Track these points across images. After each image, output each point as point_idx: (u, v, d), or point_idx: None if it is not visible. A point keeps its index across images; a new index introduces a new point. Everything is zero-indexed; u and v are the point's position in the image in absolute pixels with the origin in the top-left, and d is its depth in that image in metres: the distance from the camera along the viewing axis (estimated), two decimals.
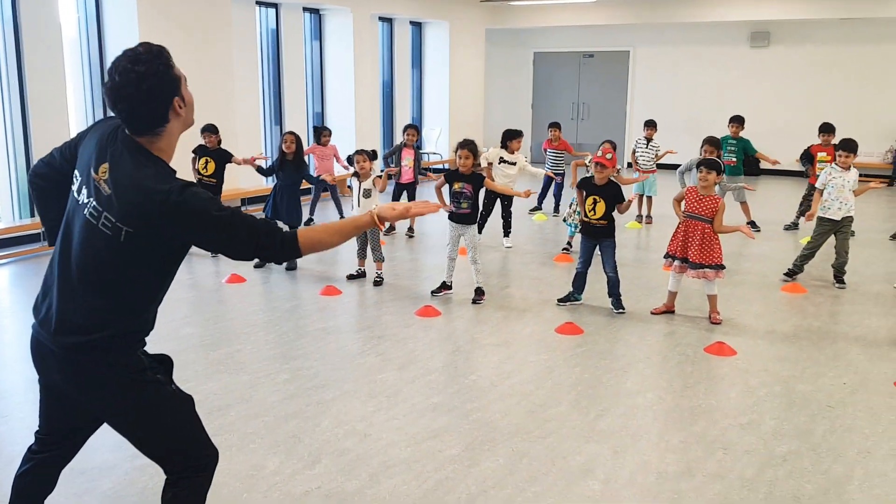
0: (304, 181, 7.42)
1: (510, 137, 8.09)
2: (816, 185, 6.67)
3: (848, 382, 4.43)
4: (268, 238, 2.16)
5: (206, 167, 7.58)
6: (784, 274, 6.78)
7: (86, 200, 2.14)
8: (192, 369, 4.55)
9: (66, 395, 2.28)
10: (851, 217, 6.51)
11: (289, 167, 7.12)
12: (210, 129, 7.54)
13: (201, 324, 5.51)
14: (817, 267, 6.98)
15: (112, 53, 8.83)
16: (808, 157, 8.83)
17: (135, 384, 2.22)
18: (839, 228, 6.51)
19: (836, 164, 6.53)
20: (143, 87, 2.07)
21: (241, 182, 10.13)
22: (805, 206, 8.74)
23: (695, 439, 3.70)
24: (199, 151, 7.60)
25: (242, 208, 10.30)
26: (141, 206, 2.06)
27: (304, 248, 2.20)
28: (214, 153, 7.58)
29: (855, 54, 13.97)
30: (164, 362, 2.40)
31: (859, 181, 6.60)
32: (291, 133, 7.20)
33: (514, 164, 8.03)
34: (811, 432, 3.78)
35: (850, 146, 6.47)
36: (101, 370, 2.18)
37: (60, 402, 2.34)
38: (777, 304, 6.09)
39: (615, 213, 5.76)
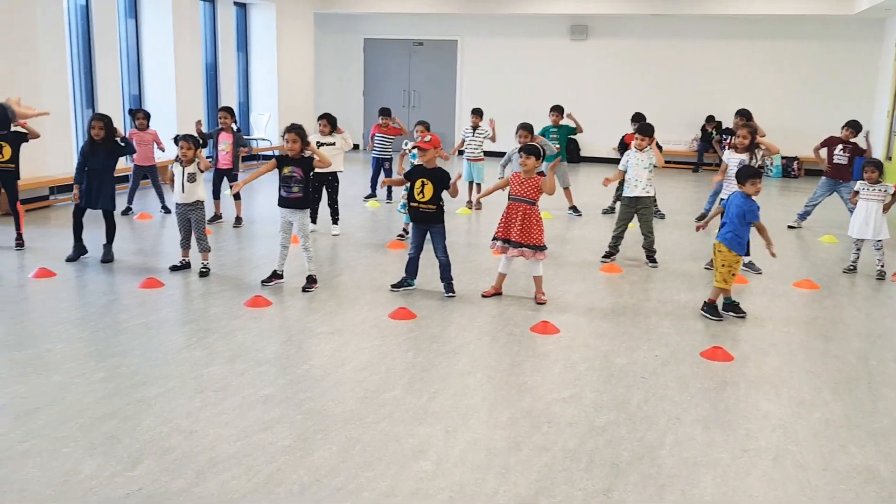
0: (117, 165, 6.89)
1: (319, 120, 8.22)
2: (619, 166, 7.19)
3: (660, 354, 4.78)
4: None
5: (0, 152, 6.89)
6: (602, 256, 7.20)
7: None
8: None
9: None
10: (650, 197, 7.04)
11: (101, 152, 6.58)
12: None
13: (4, 323, 5.03)
14: (632, 249, 7.48)
15: None
16: (623, 145, 9.44)
17: None
18: (639, 208, 7.02)
19: (633, 146, 7.06)
20: None
21: (50, 169, 9.33)
22: (621, 192, 9.34)
23: (521, 415, 3.84)
24: None
25: (51, 197, 9.51)
26: None
27: None
28: (8, 137, 6.90)
29: (665, 48, 15.09)
30: None
31: (662, 164, 7.17)
32: (98, 118, 6.53)
33: (333, 143, 8.07)
34: (627, 402, 4.05)
35: (642, 130, 7.04)
36: None
37: None
38: (596, 284, 6.46)
39: (446, 197, 5.85)
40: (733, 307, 5.57)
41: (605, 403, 4.02)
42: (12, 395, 3.86)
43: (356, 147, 16.81)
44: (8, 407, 3.73)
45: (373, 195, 10.35)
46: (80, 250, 6.66)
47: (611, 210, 9.80)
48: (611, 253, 7.20)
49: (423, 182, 5.75)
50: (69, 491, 3.00)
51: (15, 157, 6.97)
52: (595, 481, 3.22)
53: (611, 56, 15.39)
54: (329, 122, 8.08)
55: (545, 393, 4.13)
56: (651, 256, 7.11)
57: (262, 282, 6.03)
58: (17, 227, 7.12)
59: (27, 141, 7.00)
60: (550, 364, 4.59)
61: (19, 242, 7.07)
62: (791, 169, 14.20)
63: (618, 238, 7.19)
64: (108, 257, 6.63)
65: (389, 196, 10.19)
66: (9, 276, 6.24)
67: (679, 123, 14.66)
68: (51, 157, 9.14)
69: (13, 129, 6.92)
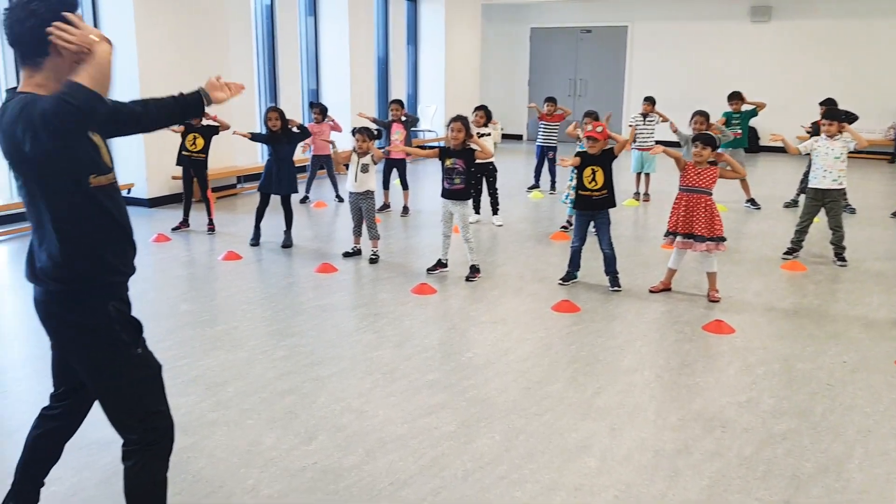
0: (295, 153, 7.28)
1: (475, 111, 8.21)
2: (800, 148, 6.68)
3: (848, 361, 4.41)
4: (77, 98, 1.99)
5: (194, 143, 7.50)
6: (784, 253, 6.75)
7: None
8: (189, 346, 4.52)
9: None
10: (840, 190, 6.49)
11: (279, 141, 7.00)
12: None
13: (198, 300, 5.47)
14: (818, 245, 6.96)
15: (107, 14, 8.71)
16: (817, 132, 8.79)
17: (96, 337, 2.21)
18: (827, 202, 6.50)
19: (823, 133, 6.53)
20: (30, 6, 2.06)
21: (237, 160, 10.04)
22: (805, 184, 8.71)
23: (692, 417, 3.68)
24: (186, 129, 7.51)
25: (238, 185, 10.23)
26: (13, 135, 2.02)
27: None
28: (200, 129, 7.50)
29: (857, 29, 13.87)
30: (133, 324, 2.33)
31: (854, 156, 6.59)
32: (274, 109, 7.03)
33: (489, 133, 8.08)
34: (811, 411, 3.77)
35: (833, 115, 6.48)
36: (69, 318, 2.19)
37: (61, 356, 2.43)
38: (776, 282, 6.06)
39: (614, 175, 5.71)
40: None
41: (786, 410, 3.76)
42: (204, 368, 4.19)
43: (520, 137, 16.84)
44: (201, 378, 4.05)
45: (536, 186, 10.30)
46: (258, 235, 7.13)
47: (793, 203, 9.18)
48: (793, 249, 6.73)
49: (593, 170, 5.64)
50: (252, 460, 3.22)
51: (206, 148, 7.57)
52: (773, 492, 3.02)
53: (796, 38, 14.35)
54: (485, 114, 8.15)
55: (718, 396, 3.93)
56: (840, 254, 6.57)
57: (428, 270, 6.17)
58: (209, 213, 7.73)
59: (218, 133, 7.58)
60: (724, 365, 4.36)
61: (210, 227, 7.67)
62: None
63: (801, 233, 6.70)
64: (287, 242, 7.04)
65: (553, 187, 10.09)
66: (201, 259, 6.78)
67: (873, 110, 13.42)
68: (238, 149, 9.83)
69: (205, 122, 7.52)
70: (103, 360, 2.23)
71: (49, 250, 2.14)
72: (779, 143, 6.72)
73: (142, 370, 2.30)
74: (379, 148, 6.81)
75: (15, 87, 2.17)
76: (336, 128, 9.32)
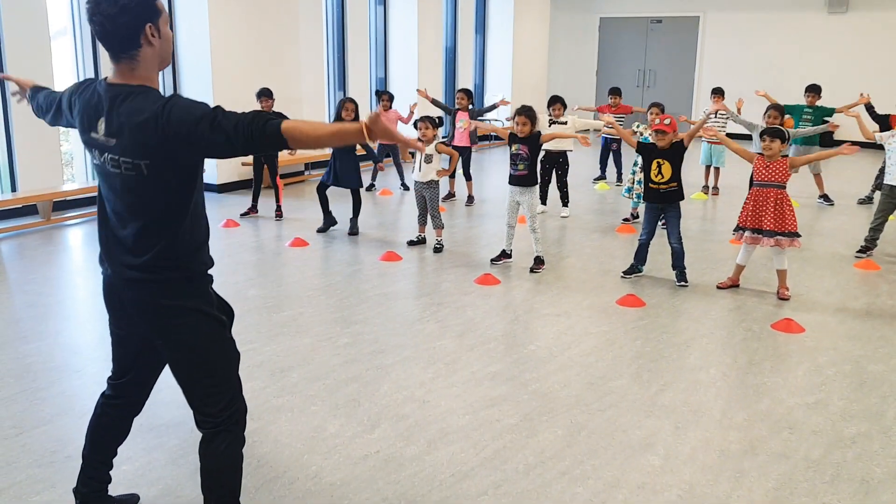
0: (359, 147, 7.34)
1: (551, 104, 8.10)
2: (875, 136, 6.50)
3: None
4: (252, 124, 2.06)
5: None
6: (857, 251, 6.53)
7: (102, 158, 2.20)
8: (255, 331, 4.64)
9: (135, 334, 2.41)
10: None
11: None
12: (266, 94, 7.57)
13: (265, 286, 5.60)
14: (892, 244, 6.71)
15: (182, 3, 8.93)
16: (887, 128, 8.46)
17: (201, 316, 2.30)
18: None
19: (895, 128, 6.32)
20: (119, 2, 2.08)
21: None
22: (881, 180, 8.40)
23: (759, 418, 3.61)
24: None
25: (306, 173, 10.41)
26: (147, 130, 2.07)
27: (288, 135, 2.08)
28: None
29: None
30: (226, 308, 2.49)
31: None
32: (351, 101, 7.04)
33: (566, 122, 7.95)
34: (882, 414, 3.65)
35: None
36: (183, 304, 2.27)
37: (129, 343, 2.48)
38: (849, 281, 5.87)
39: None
40: None
41: (856, 413, 3.66)
42: (270, 354, 4.30)
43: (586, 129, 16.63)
44: (266, 364, 4.16)
45: (602, 177, 10.19)
46: (329, 222, 7.25)
47: (868, 200, 8.86)
48: (867, 247, 6.50)
49: (658, 163, 5.55)
50: (316, 446, 3.29)
51: None
52: (841, 497, 2.95)
53: (875, 30, 13.78)
54: (562, 105, 8.03)
55: (786, 396, 3.84)
56: None
57: (492, 260, 6.18)
58: (277, 200, 7.89)
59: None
60: (793, 365, 4.26)
61: (278, 214, 7.84)
62: None
63: (876, 231, 6.48)
64: (353, 230, 7.14)
65: (619, 178, 9.96)
66: (269, 245, 6.94)
67: None
68: None
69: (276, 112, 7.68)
70: (207, 341, 2.33)
71: (157, 244, 2.21)
72: (843, 136, 6.53)
73: (233, 351, 2.43)
74: (444, 137, 6.84)
75: (101, 78, 2.26)
76: (400, 118, 9.39)
